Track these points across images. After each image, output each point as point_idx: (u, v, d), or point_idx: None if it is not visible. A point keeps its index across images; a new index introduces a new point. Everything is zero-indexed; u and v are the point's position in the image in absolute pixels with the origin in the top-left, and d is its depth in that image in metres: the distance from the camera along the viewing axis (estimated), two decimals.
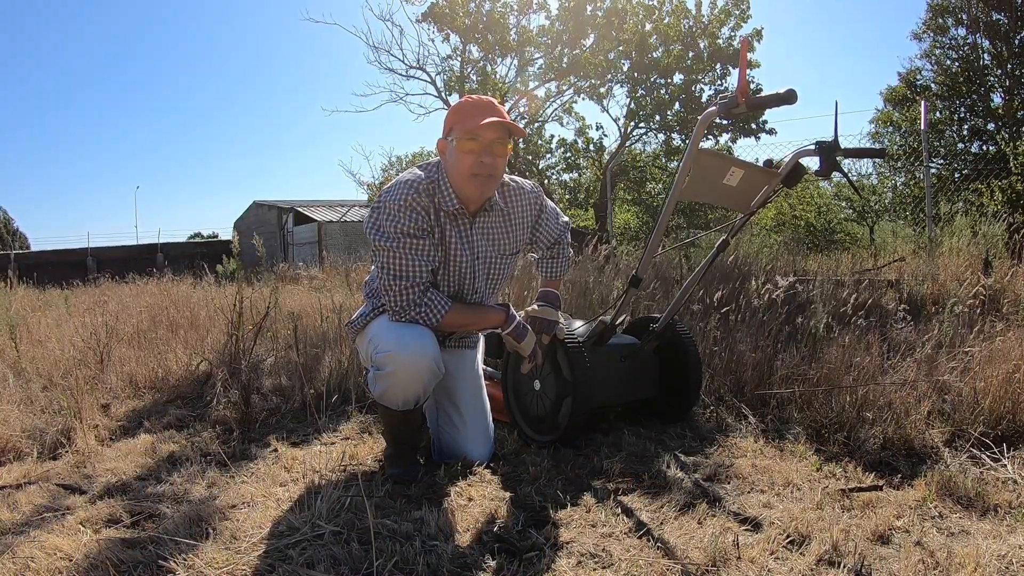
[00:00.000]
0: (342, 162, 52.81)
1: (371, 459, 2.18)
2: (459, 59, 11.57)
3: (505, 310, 2.07)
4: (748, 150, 12.95)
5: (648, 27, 11.08)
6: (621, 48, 10.98)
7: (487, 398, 2.23)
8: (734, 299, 3.11)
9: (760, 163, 2.15)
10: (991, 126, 12.77)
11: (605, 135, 12.83)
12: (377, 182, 14.63)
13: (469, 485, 1.92)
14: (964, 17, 13.19)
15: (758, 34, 11.10)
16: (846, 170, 2.38)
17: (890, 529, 1.60)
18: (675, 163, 11.13)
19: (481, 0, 11.01)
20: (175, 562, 1.45)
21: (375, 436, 2.41)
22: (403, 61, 11.44)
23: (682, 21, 11.05)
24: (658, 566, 1.44)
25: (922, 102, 6.61)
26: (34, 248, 30.83)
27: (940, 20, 13.78)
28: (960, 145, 13.12)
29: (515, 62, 11.59)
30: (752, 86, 10.43)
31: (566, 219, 2.36)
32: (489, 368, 2.65)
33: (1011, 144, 5.97)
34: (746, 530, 1.62)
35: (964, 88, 12.99)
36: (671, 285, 4.15)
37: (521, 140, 12.95)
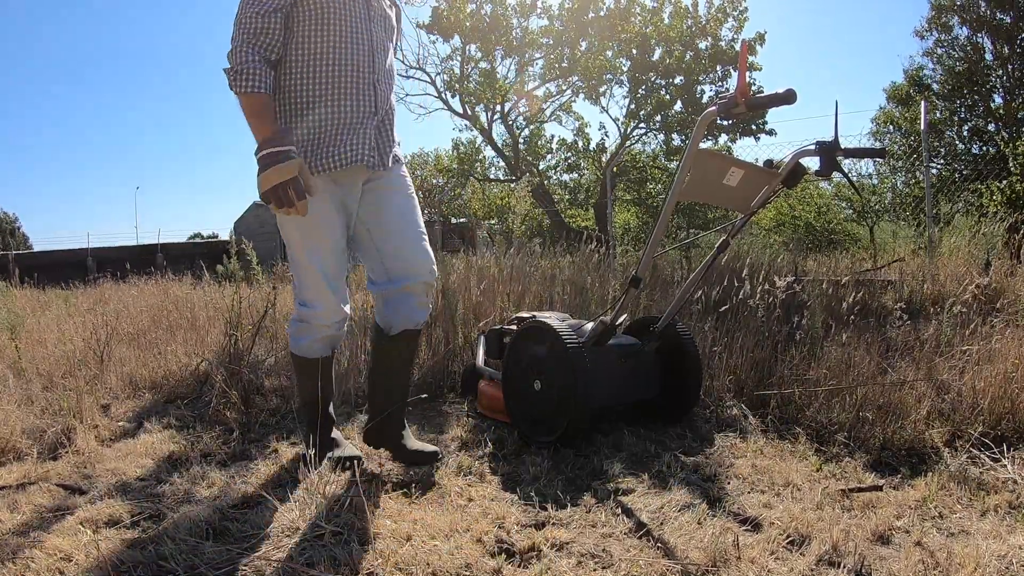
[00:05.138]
0: None
1: (370, 459, 2.18)
2: (459, 59, 11.58)
3: (271, 129, 1.72)
4: (748, 150, 12.97)
5: (648, 28, 11.09)
6: (620, 48, 10.99)
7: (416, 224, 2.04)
8: (733, 299, 3.11)
9: (760, 163, 2.16)
10: (991, 127, 12.77)
11: (606, 135, 12.85)
12: None
13: (469, 485, 1.93)
14: (966, 16, 13.20)
15: (761, 38, 11.09)
16: (846, 170, 2.39)
17: (890, 529, 1.60)
18: (675, 163, 11.13)
19: (482, 2, 11.03)
20: (175, 562, 1.45)
21: None
22: (403, 61, 11.45)
23: (682, 22, 11.05)
24: (658, 566, 1.44)
25: (922, 102, 6.61)
26: (35, 248, 30.82)
27: (943, 18, 13.80)
28: (960, 146, 13.13)
29: (514, 63, 11.60)
30: (752, 87, 10.41)
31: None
32: (489, 368, 2.65)
33: (1011, 145, 5.96)
34: (746, 530, 1.62)
35: (966, 88, 13.00)
36: (671, 285, 4.15)
37: (521, 140, 12.99)
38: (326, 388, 2.08)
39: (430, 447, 2.08)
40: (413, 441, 2.10)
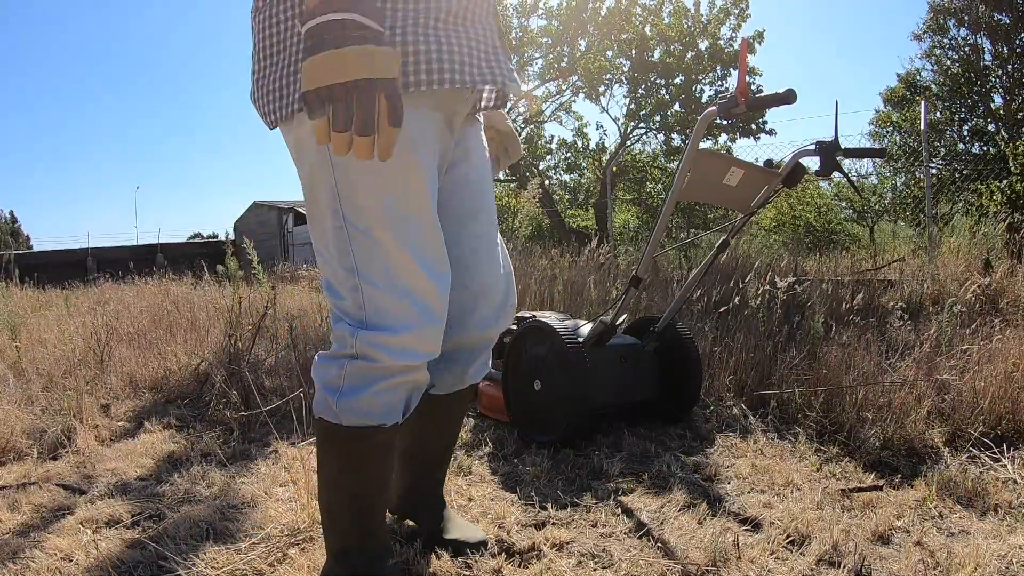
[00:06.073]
0: None
1: None
2: None
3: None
4: (748, 150, 12.96)
5: (648, 29, 11.09)
6: (620, 48, 10.99)
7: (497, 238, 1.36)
8: (733, 299, 3.11)
9: (760, 163, 2.16)
10: (991, 127, 12.76)
11: (605, 135, 12.89)
12: None
13: (469, 485, 1.93)
14: (966, 18, 13.20)
15: (759, 36, 11.10)
16: (846, 170, 2.39)
17: (890, 529, 1.60)
18: (675, 163, 11.13)
19: None
20: (175, 562, 1.45)
21: None
22: None
23: (682, 21, 11.06)
24: (658, 566, 1.44)
25: (922, 102, 6.61)
26: (35, 248, 30.83)
27: (941, 20, 13.79)
28: (960, 146, 13.12)
29: (514, 63, 11.60)
30: (752, 88, 10.42)
31: None
32: (489, 368, 2.64)
33: (1011, 145, 5.97)
34: (746, 530, 1.62)
35: (965, 89, 12.99)
36: (671, 285, 4.15)
37: (521, 140, 12.98)
38: (385, 487, 1.26)
39: (475, 533, 1.53)
40: (455, 524, 1.53)
